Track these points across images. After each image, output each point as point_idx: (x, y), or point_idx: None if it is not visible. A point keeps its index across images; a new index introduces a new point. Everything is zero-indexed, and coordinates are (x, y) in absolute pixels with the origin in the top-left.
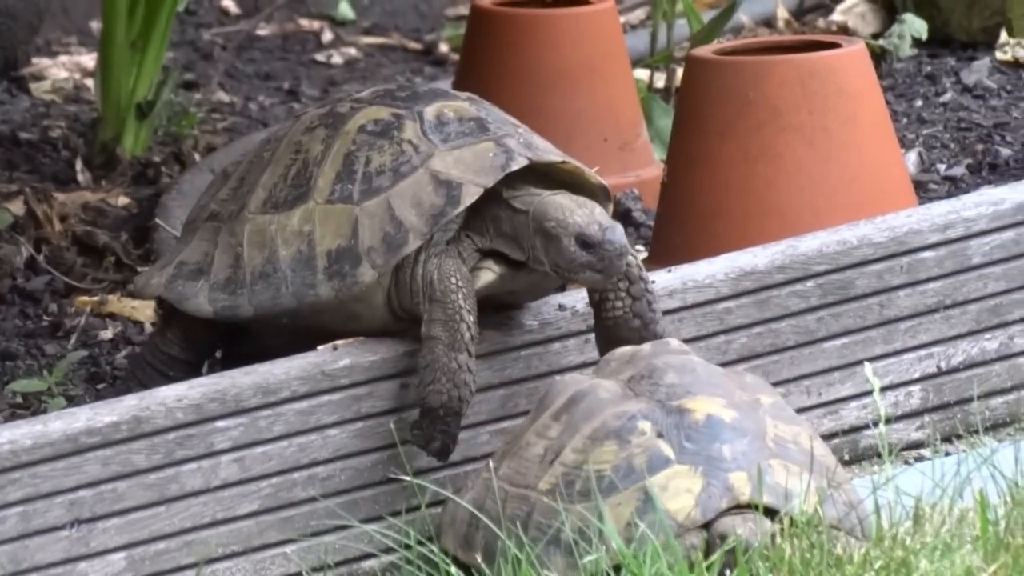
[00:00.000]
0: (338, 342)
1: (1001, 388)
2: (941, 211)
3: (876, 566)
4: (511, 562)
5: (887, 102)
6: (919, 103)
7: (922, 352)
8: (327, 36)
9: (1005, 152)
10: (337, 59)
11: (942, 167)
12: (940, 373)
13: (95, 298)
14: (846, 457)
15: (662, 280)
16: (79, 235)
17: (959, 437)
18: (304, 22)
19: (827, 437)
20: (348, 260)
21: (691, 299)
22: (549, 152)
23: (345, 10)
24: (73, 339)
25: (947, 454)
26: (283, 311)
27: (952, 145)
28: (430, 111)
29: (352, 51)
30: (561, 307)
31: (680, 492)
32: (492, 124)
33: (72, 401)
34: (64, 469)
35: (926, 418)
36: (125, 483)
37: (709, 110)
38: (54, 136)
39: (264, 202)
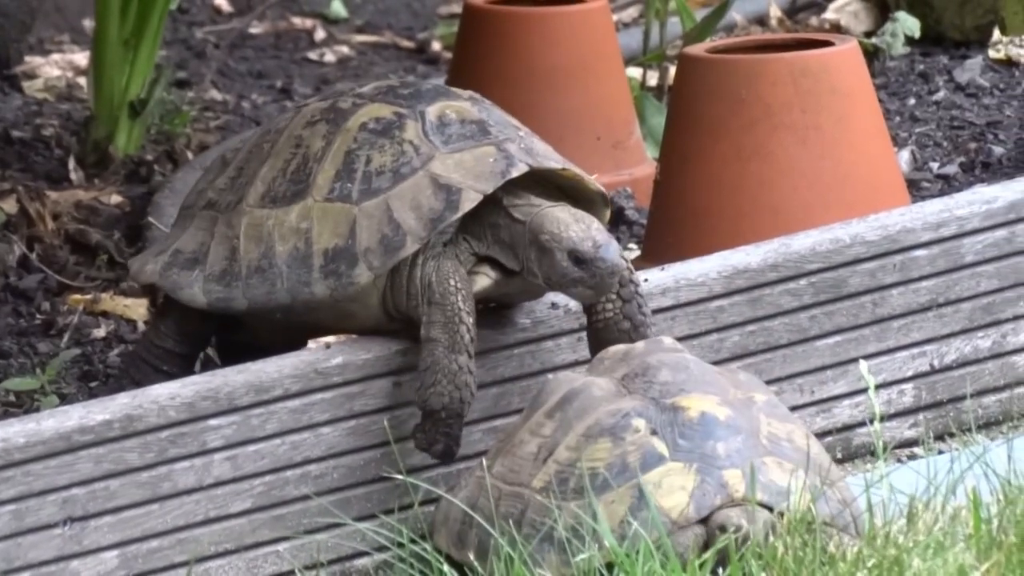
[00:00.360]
0: (331, 339)
1: (994, 386)
2: (934, 209)
3: (869, 564)
4: (504, 560)
5: (880, 100)
6: (912, 101)
7: (915, 350)
8: (320, 34)
9: (998, 150)
10: (330, 57)
11: (935, 165)
12: (933, 371)
13: (88, 296)
14: (839, 455)
15: (655, 278)
16: (72, 233)
17: (952, 435)
18: (297, 20)
19: (820, 435)
20: (344, 260)
21: (684, 297)
22: (549, 158)
23: (338, 8)
24: (66, 337)
25: (940, 452)
26: (277, 307)
27: (945, 143)
28: (432, 111)
29: (345, 49)
30: (554, 305)
31: (674, 489)
32: (494, 127)
33: (65, 399)
34: (57, 467)
35: (919, 416)
36: (118, 481)
37: (702, 108)
38: (47, 134)
39: (262, 196)
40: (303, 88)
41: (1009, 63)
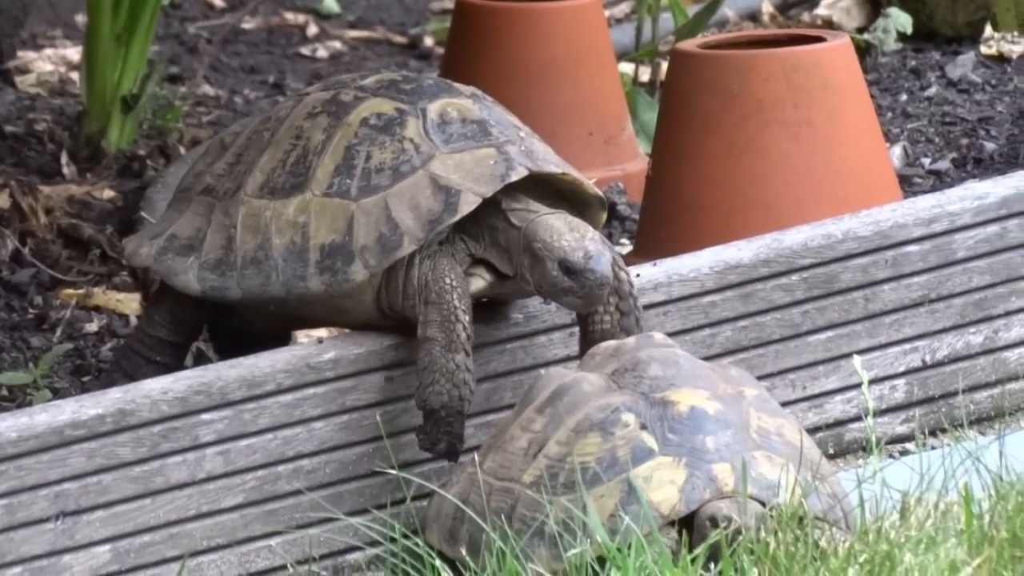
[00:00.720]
0: (323, 334)
1: (986, 382)
2: (926, 205)
3: (860, 559)
4: (495, 555)
5: (872, 96)
6: (904, 97)
7: (907, 346)
8: (312, 30)
9: (990, 146)
10: (322, 53)
11: (927, 161)
12: (925, 367)
13: (80, 291)
14: (831, 451)
15: (647, 273)
16: (64, 228)
17: (944, 431)
18: (289, 16)
19: (812, 431)
20: (341, 257)
21: (676, 292)
22: (549, 162)
23: (330, 4)
24: (58, 332)
25: (932, 448)
26: (271, 299)
27: (937, 139)
28: (434, 109)
29: (337, 45)
30: (547, 300)
31: (664, 483)
32: (495, 127)
33: (57, 394)
34: (49, 462)
35: (911, 412)
36: (110, 476)
37: (694, 104)
38: (39, 129)
39: (261, 186)
40: (295, 83)
41: (1001, 59)
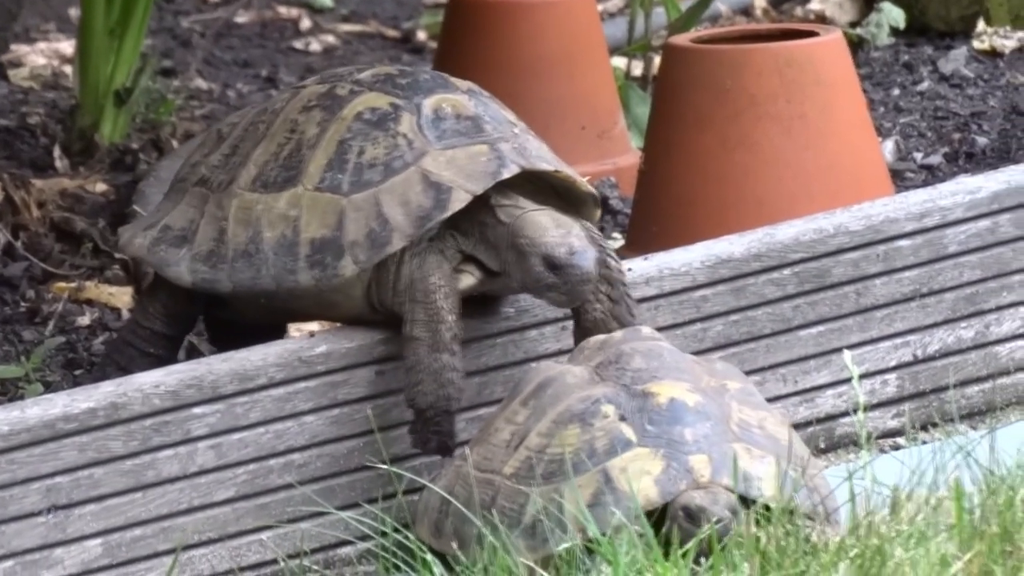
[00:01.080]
0: (314, 327)
1: (977, 376)
2: (917, 200)
3: (851, 554)
4: (475, 548)
5: (864, 91)
6: (896, 92)
7: (898, 340)
8: (305, 24)
9: (982, 141)
10: (315, 47)
11: (919, 156)
12: (916, 361)
13: (72, 284)
14: (822, 445)
15: (639, 267)
16: (57, 221)
17: (935, 425)
18: (282, 9)
19: (803, 425)
20: (331, 251)
21: (667, 287)
22: (542, 159)
23: None
24: (50, 325)
25: (923, 442)
26: (262, 292)
27: (929, 134)
28: (428, 104)
29: (330, 39)
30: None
31: (640, 474)
32: (489, 124)
33: (49, 387)
34: (41, 455)
35: (902, 406)
36: (102, 469)
37: (687, 98)
38: (32, 123)
39: (254, 179)
40: (288, 77)
41: (993, 54)
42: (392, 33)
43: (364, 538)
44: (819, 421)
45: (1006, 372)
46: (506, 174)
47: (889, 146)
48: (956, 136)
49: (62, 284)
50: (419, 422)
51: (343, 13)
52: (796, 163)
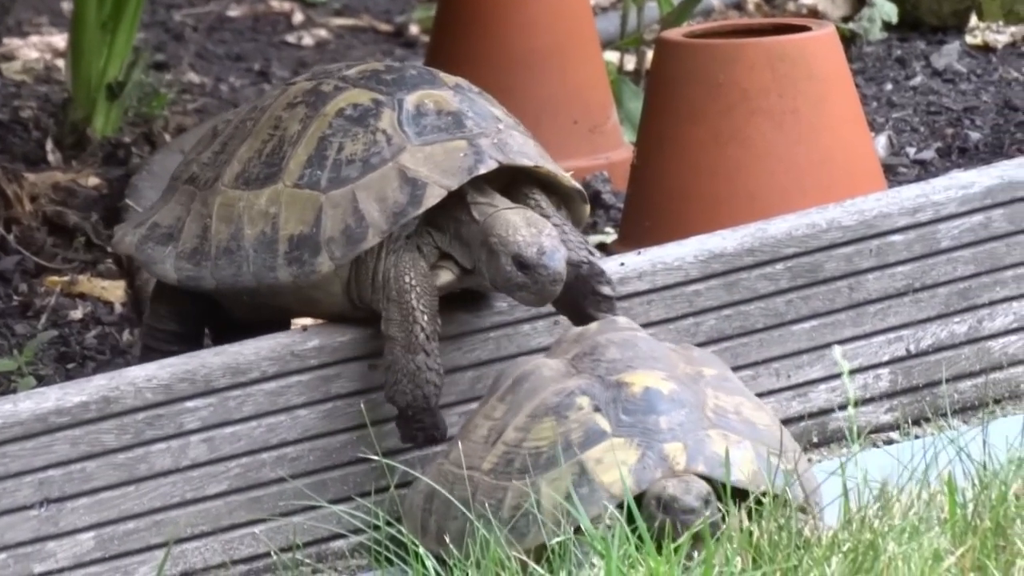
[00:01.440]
0: (308, 322)
1: (970, 371)
2: (910, 195)
3: (844, 548)
4: (464, 544)
5: (857, 85)
6: (889, 87)
7: (891, 335)
8: (298, 17)
9: (974, 136)
10: (308, 40)
11: (912, 151)
12: (909, 356)
13: (65, 278)
14: (815, 439)
15: (631, 262)
16: (49, 215)
17: (928, 420)
18: (275, 3)
19: (796, 419)
20: (308, 248)
21: (660, 281)
22: (523, 155)
23: None
24: (43, 319)
25: (916, 437)
26: (244, 289)
27: (922, 129)
28: (411, 100)
29: (323, 33)
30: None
31: (615, 464)
32: (471, 120)
33: (42, 381)
34: (33, 449)
35: (895, 401)
36: (94, 463)
37: (679, 93)
38: (25, 116)
39: (237, 176)
40: (281, 71)
41: (986, 49)
42: (385, 27)
43: (357, 531)
44: (812, 416)
45: (999, 367)
46: (483, 169)
47: (882, 141)
48: (949, 131)
49: (55, 278)
50: (401, 419)
51: (336, 7)
52: (789, 158)
